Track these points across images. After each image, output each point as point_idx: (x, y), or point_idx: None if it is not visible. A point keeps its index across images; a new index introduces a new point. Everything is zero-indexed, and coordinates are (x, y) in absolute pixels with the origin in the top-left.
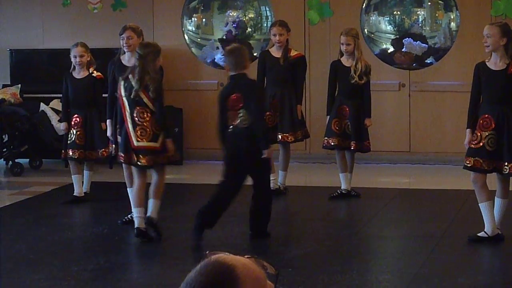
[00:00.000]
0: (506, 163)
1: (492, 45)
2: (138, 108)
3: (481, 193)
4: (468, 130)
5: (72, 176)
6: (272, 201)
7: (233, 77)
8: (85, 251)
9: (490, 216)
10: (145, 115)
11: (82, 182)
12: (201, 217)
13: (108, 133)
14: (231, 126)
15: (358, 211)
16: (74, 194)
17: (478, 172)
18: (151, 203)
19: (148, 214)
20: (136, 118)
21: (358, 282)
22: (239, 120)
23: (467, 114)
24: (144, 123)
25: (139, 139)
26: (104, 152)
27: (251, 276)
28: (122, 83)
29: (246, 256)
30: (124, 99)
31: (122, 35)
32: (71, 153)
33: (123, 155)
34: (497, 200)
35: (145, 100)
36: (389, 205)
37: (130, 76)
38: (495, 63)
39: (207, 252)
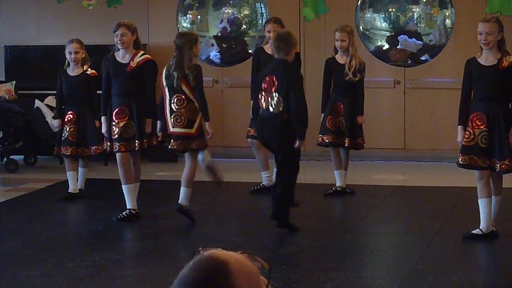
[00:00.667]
0: (497, 161)
1: (492, 42)
2: (176, 95)
3: (484, 189)
4: (460, 127)
5: (67, 172)
6: (292, 191)
7: (275, 61)
8: (80, 248)
9: (487, 213)
10: (182, 103)
11: (77, 178)
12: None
13: (103, 130)
14: (262, 109)
15: (353, 208)
16: (69, 190)
17: (474, 169)
18: (182, 191)
19: (179, 201)
20: (173, 105)
21: (353, 279)
22: (271, 104)
23: (459, 110)
24: (180, 110)
25: (174, 125)
26: (97, 150)
27: (244, 271)
28: (164, 72)
29: (239, 252)
30: (165, 87)
31: (116, 32)
32: (63, 150)
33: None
34: (495, 198)
35: (184, 88)
36: (384, 202)
37: (171, 65)
38: (486, 58)
39: (200, 248)
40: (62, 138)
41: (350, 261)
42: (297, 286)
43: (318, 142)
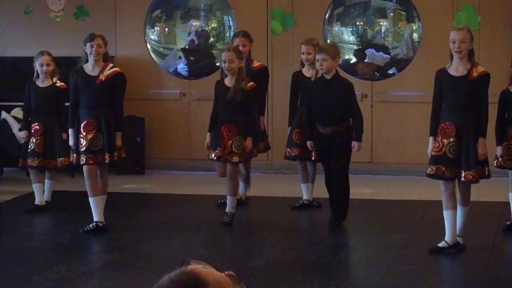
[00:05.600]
0: (462, 171)
1: (465, 51)
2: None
3: (448, 201)
4: (431, 138)
5: (33, 184)
6: (347, 189)
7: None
8: (46, 260)
9: (452, 225)
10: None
11: (43, 190)
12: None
13: (70, 143)
14: None
15: (320, 222)
16: (35, 203)
17: (440, 179)
18: (228, 199)
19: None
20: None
21: None
22: None
23: (430, 121)
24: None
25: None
26: (63, 161)
27: None
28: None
29: (226, 273)
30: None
31: (91, 43)
32: (30, 162)
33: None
34: (458, 208)
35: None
36: (351, 215)
37: (224, 79)
38: (456, 68)
39: (189, 259)
40: (29, 150)
41: (317, 274)
42: None
43: (285, 155)
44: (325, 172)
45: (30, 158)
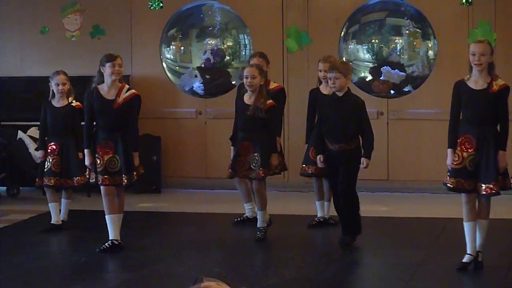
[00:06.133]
0: (482, 185)
1: (485, 63)
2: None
3: (470, 212)
4: (449, 150)
5: (49, 204)
6: (356, 205)
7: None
8: (62, 280)
9: (472, 236)
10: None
11: (60, 210)
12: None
13: (87, 162)
14: None
15: (336, 239)
16: (52, 222)
17: (460, 192)
18: (258, 214)
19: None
20: None
21: None
22: None
23: (448, 133)
24: None
25: None
26: (79, 180)
27: None
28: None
29: None
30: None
31: (113, 62)
32: (46, 181)
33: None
34: (478, 222)
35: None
36: (367, 233)
37: (244, 96)
38: (476, 82)
39: (201, 276)
40: (45, 169)
41: None
42: None
43: (301, 172)
44: (332, 190)
45: (47, 177)
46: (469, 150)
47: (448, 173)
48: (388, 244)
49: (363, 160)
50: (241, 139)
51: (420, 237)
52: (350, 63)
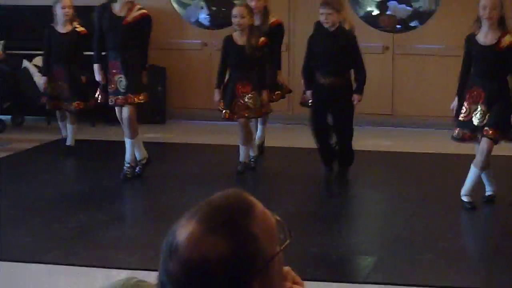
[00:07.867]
0: (485, 127)
1: (496, 17)
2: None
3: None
4: (457, 97)
5: (60, 123)
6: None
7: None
8: (67, 209)
9: (490, 177)
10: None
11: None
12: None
13: (97, 78)
14: None
15: (339, 173)
16: (67, 144)
17: (464, 143)
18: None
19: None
20: None
21: (339, 243)
22: None
23: (458, 80)
24: None
25: None
26: (78, 105)
27: (265, 221)
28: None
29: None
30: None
31: None
32: (44, 100)
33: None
34: (471, 167)
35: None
36: (371, 167)
37: (233, 35)
38: (485, 36)
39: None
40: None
41: (336, 225)
42: (283, 250)
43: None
44: (314, 123)
45: (46, 97)
46: (477, 104)
47: (456, 124)
48: (391, 179)
49: (354, 96)
50: (236, 79)
51: (423, 172)
52: None
